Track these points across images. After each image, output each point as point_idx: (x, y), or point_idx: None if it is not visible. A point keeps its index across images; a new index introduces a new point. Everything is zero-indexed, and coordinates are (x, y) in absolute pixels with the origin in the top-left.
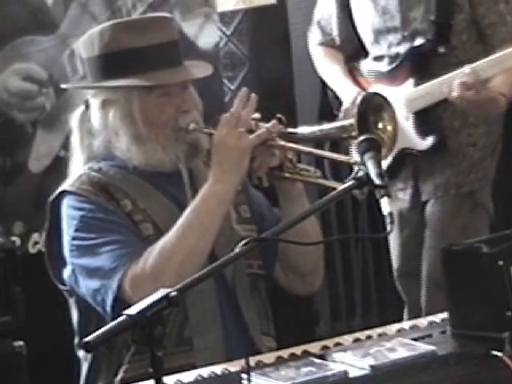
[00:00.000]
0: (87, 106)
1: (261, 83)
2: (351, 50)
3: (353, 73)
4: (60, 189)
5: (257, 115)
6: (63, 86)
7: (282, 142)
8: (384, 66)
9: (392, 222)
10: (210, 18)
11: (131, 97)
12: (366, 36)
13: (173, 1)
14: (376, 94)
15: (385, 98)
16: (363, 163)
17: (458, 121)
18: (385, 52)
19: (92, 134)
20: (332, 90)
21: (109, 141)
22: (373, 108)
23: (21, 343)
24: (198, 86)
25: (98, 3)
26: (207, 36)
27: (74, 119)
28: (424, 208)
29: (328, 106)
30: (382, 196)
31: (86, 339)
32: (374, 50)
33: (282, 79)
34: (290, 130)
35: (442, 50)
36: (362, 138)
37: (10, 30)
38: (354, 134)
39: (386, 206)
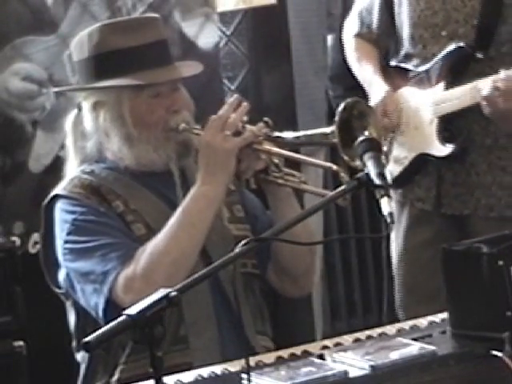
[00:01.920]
0: (80, 109)
1: (260, 83)
2: (387, 47)
3: (386, 71)
4: (53, 193)
5: (244, 117)
6: (55, 89)
7: (267, 146)
8: (416, 66)
9: (392, 222)
10: (209, 18)
11: (121, 98)
12: (403, 31)
13: (173, 1)
14: (358, 100)
15: (368, 105)
16: (363, 163)
17: (490, 139)
18: (418, 51)
19: (85, 137)
20: (333, 90)
21: (100, 143)
22: (356, 115)
23: (21, 343)
24: (198, 85)
25: (98, 3)
26: (207, 36)
27: (68, 122)
28: (458, 221)
29: (329, 106)
30: (382, 196)
31: (86, 339)
32: (407, 47)
33: (282, 79)
34: (277, 133)
35: (479, 55)
36: (361, 138)
37: (10, 30)
38: (334, 140)
39: (386, 206)
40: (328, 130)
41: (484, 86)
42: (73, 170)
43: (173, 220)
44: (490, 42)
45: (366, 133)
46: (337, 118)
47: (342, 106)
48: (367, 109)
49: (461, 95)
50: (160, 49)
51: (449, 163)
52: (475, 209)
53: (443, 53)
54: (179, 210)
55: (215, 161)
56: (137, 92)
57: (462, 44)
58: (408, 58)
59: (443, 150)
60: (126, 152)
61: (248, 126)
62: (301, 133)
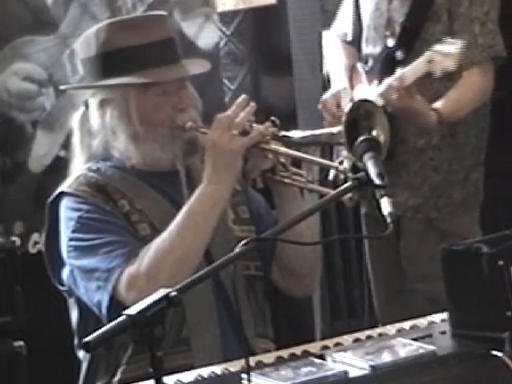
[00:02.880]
0: (87, 107)
1: (260, 83)
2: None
3: (353, 72)
4: (58, 190)
5: (251, 117)
6: (62, 87)
7: (274, 146)
8: (366, 66)
9: (392, 222)
10: (209, 17)
11: (128, 95)
12: (363, 32)
13: (173, 1)
14: (365, 101)
15: (375, 105)
16: (363, 163)
17: (423, 140)
18: (370, 51)
19: (91, 134)
20: None
21: (107, 141)
22: (363, 115)
23: (21, 343)
24: (198, 85)
25: (98, 3)
26: (207, 36)
27: (75, 120)
28: (397, 222)
29: None
30: (381, 196)
31: (86, 339)
32: (363, 49)
33: (282, 79)
34: (284, 133)
35: (400, 54)
36: (361, 138)
37: (10, 30)
38: (341, 140)
39: (385, 205)
40: (335, 129)
41: (382, 84)
42: (79, 167)
43: (178, 219)
44: (414, 41)
45: (374, 133)
46: (344, 118)
47: (349, 106)
48: (374, 109)
49: (378, 94)
50: (167, 47)
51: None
52: (404, 210)
53: (378, 52)
54: (184, 210)
55: (222, 161)
56: (144, 90)
57: (388, 44)
58: (365, 58)
59: None
60: (133, 150)
61: (255, 126)
62: (308, 132)
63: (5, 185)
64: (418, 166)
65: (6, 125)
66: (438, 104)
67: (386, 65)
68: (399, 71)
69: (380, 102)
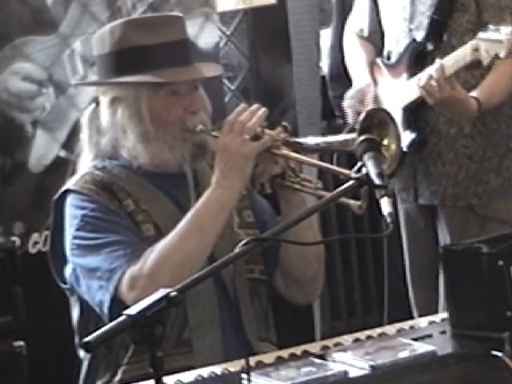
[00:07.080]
0: (97, 104)
1: (260, 83)
2: (378, 44)
3: (373, 67)
4: (64, 188)
5: (263, 122)
6: (73, 83)
7: (285, 151)
8: (389, 61)
9: (392, 222)
10: (209, 18)
11: (140, 95)
12: (384, 27)
13: (173, 1)
14: (380, 109)
15: (389, 114)
16: (363, 163)
17: (455, 129)
18: (393, 46)
19: (100, 132)
20: (333, 90)
21: (116, 139)
22: (376, 123)
23: (21, 343)
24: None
25: (98, 3)
26: (207, 36)
27: (85, 116)
28: (433, 211)
29: (329, 106)
30: (382, 196)
31: (86, 339)
32: (386, 44)
33: (282, 79)
34: (295, 139)
35: (430, 47)
36: (361, 138)
37: (10, 30)
38: (354, 148)
39: (386, 206)
40: (348, 137)
41: (422, 76)
42: (86, 164)
43: (183, 222)
44: (443, 32)
45: (385, 142)
46: (358, 126)
47: (363, 114)
48: (387, 118)
49: (411, 86)
50: (181, 48)
51: (414, 152)
52: (442, 199)
53: (405, 46)
54: (191, 213)
55: (232, 165)
56: (155, 90)
57: (416, 37)
58: (388, 54)
59: (404, 138)
60: (141, 150)
61: (267, 131)
62: (320, 139)
63: (5, 185)
64: (453, 154)
65: (6, 125)
66: (473, 92)
67: (416, 58)
68: (438, 62)
69: (424, 95)
